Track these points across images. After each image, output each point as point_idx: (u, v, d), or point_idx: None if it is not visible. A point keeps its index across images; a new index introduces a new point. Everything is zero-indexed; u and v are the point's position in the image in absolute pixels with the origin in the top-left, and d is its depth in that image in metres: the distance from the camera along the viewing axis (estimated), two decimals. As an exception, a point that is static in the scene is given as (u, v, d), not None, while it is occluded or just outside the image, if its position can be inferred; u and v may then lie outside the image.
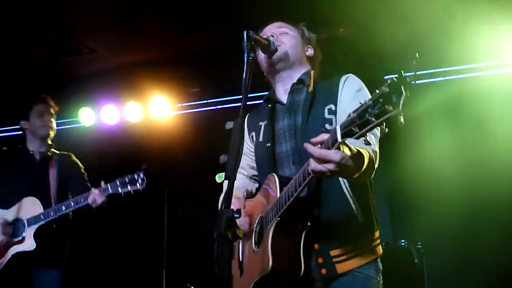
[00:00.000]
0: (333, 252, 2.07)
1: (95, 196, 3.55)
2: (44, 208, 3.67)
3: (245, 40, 2.01)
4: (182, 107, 6.22)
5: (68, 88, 6.10)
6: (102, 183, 3.57)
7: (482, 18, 4.34)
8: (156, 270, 5.89)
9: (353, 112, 1.59)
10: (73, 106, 6.26)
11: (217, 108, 6.07)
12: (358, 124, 1.56)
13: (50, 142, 4.06)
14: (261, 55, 2.33)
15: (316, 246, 2.08)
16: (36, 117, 3.97)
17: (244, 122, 2.04)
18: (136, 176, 3.50)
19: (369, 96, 2.15)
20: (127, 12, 4.76)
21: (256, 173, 2.49)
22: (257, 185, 2.53)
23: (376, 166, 1.99)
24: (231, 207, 1.71)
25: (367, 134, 1.58)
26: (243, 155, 2.46)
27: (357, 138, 1.59)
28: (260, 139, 2.37)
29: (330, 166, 1.71)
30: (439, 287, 4.71)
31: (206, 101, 6.11)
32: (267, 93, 2.44)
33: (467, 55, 4.93)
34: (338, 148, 1.69)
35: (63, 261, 3.87)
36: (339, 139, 1.63)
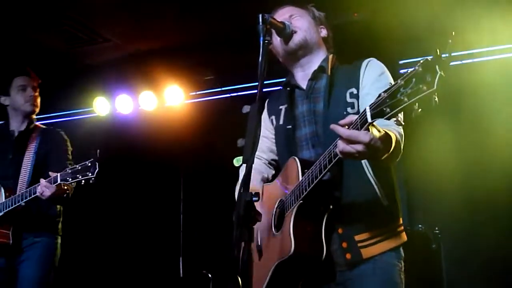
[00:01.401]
0: (358, 237, 2.05)
1: (43, 187, 3.18)
2: (7, 195, 3.39)
3: (261, 23, 1.99)
4: (197, 95, 6.22)
5: (82, 77, 6.14)
6: (51, 173, 3.20)
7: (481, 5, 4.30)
8: (172, 257, 5.94)
9: (384, 92, 1.56)
10: (87, 95, 6.29)
11: (232, 96, 6.06)
12: (389, 104, 1.53)
13: (34, 118, 3.71)
14: (277, 40, 2.30)
15: (340, 230, 2.07)
16: (18, 92, 3.61)
17: (262, 106, 2.04)
18: (87, 164, 3.11)
19: (392, 80, 2.13)
20: (139, 0, 4.76)
21: (275, 157, 2.48)
22: (273, 171, 2.52)
23: (402, 149, 1.97)
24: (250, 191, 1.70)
25: (399, 114, 1.55)
26: (263, 138, 2.45)
27: (388, 118, 1.56)
28: (281, 122, 2.37)
29: (359, 147, 1.68)
30: (457, 271, 4.68)
31: (220, 89, 6.10)
32: (283, 79, 2.43)
33: (465, 42, 4.87)
34: (367, 130, 1.66)
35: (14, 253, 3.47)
36: (369, 119, 1.61)
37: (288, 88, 2.37)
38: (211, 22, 5.12)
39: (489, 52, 5.00)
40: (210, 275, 5.35)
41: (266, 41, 1.97)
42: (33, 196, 3.26)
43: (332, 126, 1.75)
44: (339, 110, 2.12)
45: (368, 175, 2.08)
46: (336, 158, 1.81)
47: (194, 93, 6.21)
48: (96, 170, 3.08)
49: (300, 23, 2.32)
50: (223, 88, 6.10)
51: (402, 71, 5.19)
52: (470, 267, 4.76)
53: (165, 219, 6.20)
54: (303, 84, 2.33)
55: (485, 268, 4.70)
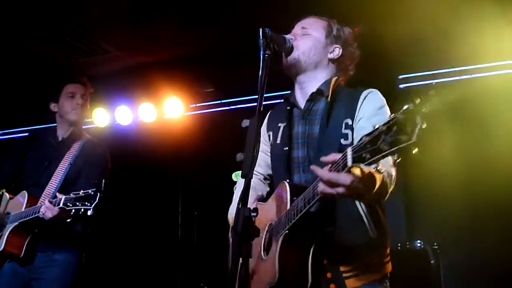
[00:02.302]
0: (342, 268, 2.04)
1: (45, 208, 3.05)
2: (28, 205, 3.26)
3: (261, 37, 1.99)
4: (196, 107, 6.22)
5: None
6: (58, 194, 3.07)
7: (486, 19, 4.30)
8: (170, 270, 5.90)
9: (366, 135, 1.53)
10: (87, 106, 6.28)
11: (232, 108, 6.06)
12: (369, 151, 1.50)
13: (80, 127, 3.63)
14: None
15: (325, 261, 2.05)
16: (66, 99, 3.54)
17: (261, 121, 2.02)
18: (89, 193, 2.93)
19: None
20: (140, 12, 4.77)
21: (270, 172, 2.46)
22: (268, 188, 2.50)
23: (390, 189, 1.94)
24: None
25: (379, 161, 1.52)
26: (260, 153, 2.43)
27: (368, 164, 1.54)
28: (278, 141, 2.35)
29: (340, 190, 1.67)
30: (456, 287, 4.66)
31: (220, 101, 6.10)
32: (284, 92, 2.42)
33: (471, 56, 4.89)
34: (349, 171, 1.64)
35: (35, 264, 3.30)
36: (349, 163, 1.58)
37: (288, 107, 2.35)
38: (211, 35, 5.13)
39: (493, 67, 5.03)
40: (207, 288, 5.31)
41: (266, 55, 1.98)
42: (35, 215, 3.12)
43: (312, 167, 1.74)
44: (333, 138, 2.10)
45: (359, 207, 2.06)
46: (318, 197, 1.79)
47: (194, 105, 6.21)
48: (95, 203, 2.89)
49: (303, 42, 2.31)
50: (223, 101, 6.10)
51: (401, 86, 5.26)
52: (470, 284, 4.72)
53: (163, 231, 6.17)
54: (302, 103, 2.32)
55: (486, 284, 4.67)
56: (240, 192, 1.71)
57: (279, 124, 2.37)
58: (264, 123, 2.46)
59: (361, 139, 1.55)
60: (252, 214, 1.63)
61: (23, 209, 3.27)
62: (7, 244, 3.22)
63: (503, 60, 4.97)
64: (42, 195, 3.29)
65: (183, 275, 5.89)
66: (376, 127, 1.50)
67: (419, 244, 4.57)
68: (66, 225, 3.24)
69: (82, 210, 2.91)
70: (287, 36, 2.27)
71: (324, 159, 1.72)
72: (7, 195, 3.51)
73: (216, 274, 5.00)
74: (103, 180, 2.97)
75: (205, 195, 5.87)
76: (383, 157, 1.48)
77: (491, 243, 4.67)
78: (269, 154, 2.43)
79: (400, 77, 5.25)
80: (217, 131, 5.89)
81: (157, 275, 6.09)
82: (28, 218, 3.18)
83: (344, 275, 2.04)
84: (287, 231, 1.99)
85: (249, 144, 1.75)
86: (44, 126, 3.90)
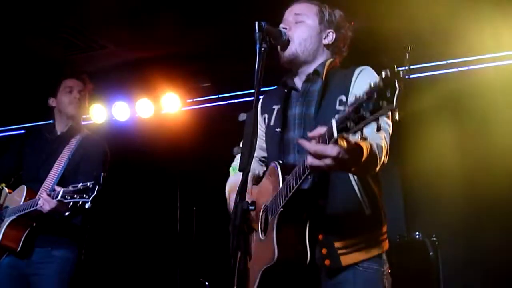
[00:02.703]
0: (337, 244, 2.04)
1: (43, 201, 3.03)
2: (27, 199, 3.25)
3: (257, 30, 1.99)
4: (194, 102, 6.22)
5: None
6: (56, 187, 3.05)
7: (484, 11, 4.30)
8: (169, 266, 5.91)
9: (349, 106, 1.55)
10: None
11: (229, 103, 6.06)
12: (353, 119, 1.52)
13: (78, 122, 3.62)
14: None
15: (320, 236, 2.05)
16: (64, 94, 3.54)
17: (257, 114, 2.02)
18: (88, 186, 2.90)
19: None
20: (137, 8, 4.76)
21: (265, 154, 2.48)
22: (264, 168, 2.51)
23: (381, 161, 1.94)
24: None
25: (364, 129, 1.53)
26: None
27: (354, 133, 1.55)
28: (272, 123, 2.36)
29: (328, 161, 1.68)
30: (455, 280, 4.67)
31: (217, 96, 6.10)
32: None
33: (468, 48, 4.88)
34: (336, 142, 1.65)
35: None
36: (335, 134, 1.60)
37: (286, 90, 2.36)
38: (208, 30, 5.12)
39: (492, 59, 5.02)
40: (207, 283, 5.33)
41: (263, 48, 1.98)
42: (33, 208, 3.11)
43: (300, 140, 1.75)
44: (328, 116, 2.10)
45: (353, 182, 2.08)
46: (308, 171, 1.80)
47: (191, 100, 6.21)
48: (93, 195, 2.86)
49: (298, 32, 2.30)
50: (220, 95, 6.10)
51: (410, 76, 5.24)
52: (468, 275, 4.74)
53: (162, 227, 6.18)
54: (299, 86, 2.33)
55: (484, 276, 4.69)
56: (235, 179, 1.70)
57: (274, 107, 2.37)
58: (258, 106, 2.46)
59: (344, 110, 1.57)
60: (250, 208, 1.63)
61: (21, 203, 3.26)
62: (4, 237, 3.21)
63: (502, 51, 4.96)
64: (41, 189, 3.28)
65: (183, 270, 5.91)
66: (358, 96, 1.51)
67: (417, 236, 4.58)
68: (64, 219, 3.23)
69: (80, 202, 2.89)
70: (282, 29, 2.27)
71: (310, 134, 1.73)
72: (6, 190, 3.52)
73: (215, 269, 5.02)
74: (102, 173, 2.94)
75: (203, 190, 5.88)
76: (366, 124, 1.50)
77: (490, 234, 4.68)
78: (263, 137, 2.44)
79: (401, 69, 5.24)
80: (214, 125, 5.89)
81: (156, 271, 6.10)
82: (26, 211, 3.17)
83: (339, 251, 2.04)
84: (282, 209, 2.00)
85: (247, 137, 1.75)
86: (41, 123, 3.88)
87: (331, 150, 1.66)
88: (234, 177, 2.51)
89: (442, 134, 4.87)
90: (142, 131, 6.23)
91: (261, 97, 2.49)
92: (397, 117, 1.45)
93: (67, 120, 3.56)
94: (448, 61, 5.15)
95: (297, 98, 2.31)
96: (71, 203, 2.94)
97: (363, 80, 2.16)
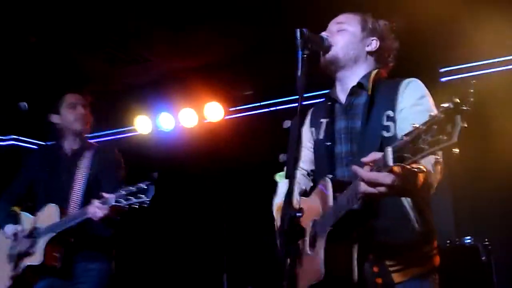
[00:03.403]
0: (389, 262, 2.02)
1: (95, 208, 3.03)
2: (62, 217, 3.26)
3: (299, 38, 1.99)
4: (236, 110, 6.26)
5: (124, 97, 6.27)
6: (104, 194, 3.04)
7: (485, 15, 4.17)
8: (217, 273, 5.94)
9: (405, 135, 1.51)
10: (129, 114, 6.41)
11: (271, 110, 6.07)
12: (410, 150, 1.49)
13: (85, 137, 3.61)
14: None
15: (371, 255, 2.03)
16: (68, 110, 3.50)
17: (302, 120, 2.02)
18: (143, 187, 2.91)
19: (432, 104, 2.08)
20: (176, 19, 4.84)
21: (314, 168, 2.45)
22: (311, 183, 2.49)
23: (433, 188, 1.91)
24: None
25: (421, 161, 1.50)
26: (304, 149, 2.44)
27: (409, 164, 1.53)
28: (321, 137, 2.34)
29: (381, 189, 1.66)
30: (509, 285, 4.52)
31: (259, 104, 6.12)
32: (323, 91, 2.42)
33: (471, 53, 4.75)
34: (390, 170, 1.62)
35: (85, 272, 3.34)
36: (390, 163, 1.56)
37: (329, 103, 2.35)
38: (247, 37, 5.16)
39: (497, 63, 4.89)
40: (254, 291, 5.32)
41: (305, 55, 1.98)
42: (85, 217, 3.11)
43: (353, 168, 1.73)
44: (375, 131, 2.08)
45: (403, 200, 2.04)
46: (359, 197, 1.77)
47: (233, 109, 6.25)
48: (152, 194, 2.88)
49: (339, 38, 2.30)
50: (262, 103, 6.12)
51: (443, 79, 5.14)
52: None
53: (209, 235, 6.22)
54: (342, 99, 2.31)
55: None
56: (283, 188, 1.71)
57: (321, 120, 2.36)
58: (307, 120, 2.47)
59: (401, 138, 1.53)
60: (298, 214, 1.63)
61: (57, 220, 3.25)
62: (46, 256, 3.19)
63: (502, 57, 4.83)
64: (70, 204, 3.30)
65: (230, 278, 5.93)
66: (416, 126, 1.48)
67: (468, 241, 4.45)
68: (113, 225, 3.28)
69: (137, 204, 2.91)
70: (324, 35, 2.27)
71: (364, 159, 1.71)
72: (27, 214, 3.49)
73: (263, 276, 5.02)
74: (156, 173, 2.95)
75: (249, 197, 5.89)
76: (423, 156, 1.46)
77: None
78: (312, 150, 2.42)
79: (441, 70, 5.15)
80: (257, 133, 5.91)
81: (203, 279, 6.14)
82: (71, 223, 3.18)
83: (391, 269, 2.02)
84: (331, 228, 1.98)
85: (292, 144, 1.75)
86: (47, 143, 3.86)
87: (385, 178, 1.64)
88: (280, 192, 2.50)
89: (485, 133, 4.73)
90: (187, 140, 6.31)
91: (311, 109, 2.49)
92: (457, 151, 1.39)
93: (75, 135, 3.53)
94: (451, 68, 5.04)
95: (341, 111, 2.29)
96: (128, 206, 2.94)
97: (411, 94, 2.12)
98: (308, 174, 2.50)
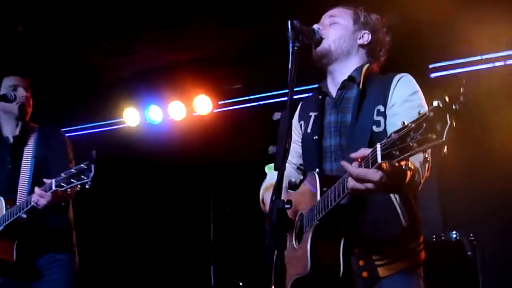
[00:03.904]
0: (375, 256, 2.04)
1: (37, 196, 2.90)
2: (8, 208, 3.09)
3: (290, 29, 1.99)
4: (225, 104, 6.25)
5: (112, 89, 6.24)
6: (45, 179, 2.89)
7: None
8: (204, 266, 5.95)
9: (395, 132, 1.52)
10: (117, 106, 6.38)
11: (260, 104, 6.07)
12: (399, 148, 1.50)
13: (27, 121, 3.39)
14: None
15: (357, 249, 2.05)
16: (8, 93, 3.27)
17: (293, 113, 2.03)
18: (83, 167, 2.75)
19: (423, 101, 2.09)
20: (168, 13, 4.81)
21: (302, 162, 2.47)
22: (301, 176, 2.50)
23: (423, 178, 1.92)
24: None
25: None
26: (292, 143, 2.41)
27: (398, 162, 1.54)
28: (309, 130, 2.35)
29: (369, 185, 1.68)
30: (494, 281, 4.56)
31: (248, 97, 6.12)
32: (313, 86, 2.42)
33: (461, 49, 4.78)
34: (379, 167, 1.64)
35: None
36: (379, 160, 1.58)
37: (320, 96, 2.35)
38: (238, 31, 5.15)
39: (487, 60, 4.91)
40: (241, 284, 5.34)
41: (296, 47, 1.97)
42: (29, 206, 2.96)
43: (343, 163, 1.75)
44: (365, 126, 2.09)
45: (391, 195, 2.05)
46: (347, 192, 1.79)
47: (222, 102, 6.24)
48: (92, 173, 2.71)
49: (331, 31, 2.30)
50: (251, 97, 6.12)
51: (432, 75, 5.17)
52: (508, 276, 4.62)
53: (196, 228, 6.22)
54: (333, 92, 2.31)
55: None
56: (271, 176, 1.71)
57: (310, 113, 2.37)
58: (296, 113, 2.47)
59: (390, 135, 1.54)
60: (286, 206, 1.64)
61: (3, 212, 3.10)
62: None
63: (499, 52, 4.84)
64: (18, 194, 3.16)
65: (217, 271, 5.94)
66: (406, 124, 1.49)
67: (454, 236, 4.49)
68: (61, 210, 3.14)
69: (79, 185, 2.78)
70: (316, 27, 2.27)
71: (353, 155, 1.72)
72: None
73: (249, 269, 5.03)
74: (94, 151, 2.77)
75: (237, 190, 5.90)
76: (412, 155, 1.48)
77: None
78: (300, 144, 2.43)
79: (430, 66, 5.17)
80: (246, 126, 5.91)
81: (190, 272, 6.14)
82: (15, 217, 3.03)
83: (376, 263, 2.04)
84: (317, 222, 1.99)
85: (281, 136, 1.76)
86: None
87: (373, 175, 1.66)
88: (269, 177, 2.51)
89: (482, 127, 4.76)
90: (175, 133, 6.29)
91: (300, 102, 2.49)
92: (445, 150, 1.40)
93: (16, 121, 3.34)
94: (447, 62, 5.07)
95: (332, 105, 2.29)
96: (69, 189, 2.82)
97: (402, 89, 2.12)
98: (298, 168, 2.51)
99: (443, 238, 4.54)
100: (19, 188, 3.18)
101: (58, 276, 3.22)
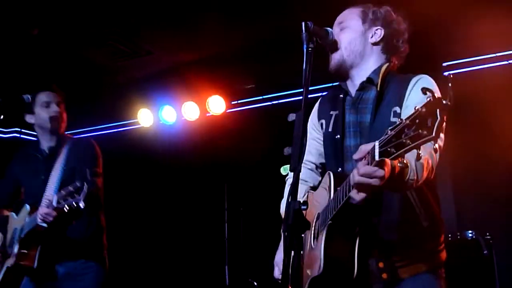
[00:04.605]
0: (395, 257, 2.03)
1: (43, 213, 2.99)
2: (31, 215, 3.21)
3: (304, 31, 1.99)
4: (238, 104, 6.26)
5: (126, 90, 6.27)
6: (51, 195, 3.00)
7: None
8: (218, 266, 5.97)
9: (391, 129, 1.53)
10: (132, 107, 6.42)
11: (273, 104, 6.07)
12: (394, 145, 1.51)
13: (62, 134, 3.53)
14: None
15: (376, 251, 2.04)
16: (41, 108, 3.43)
17: (308, 114, 2.02)
18: (77, 185, 2.83)
19: None
20: (179, 12, 4.83)
21: (323, 160, 2.45)
22: (319, 178, 2.49)
23: (422, 179, 1.90)
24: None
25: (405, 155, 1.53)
26: (312, 141, 2.44)
27: (394, 159, 1.55)
28: (330, 129, 2.33)
29: (372, 181, 1.69)
30: (510, 278, 4.53)
31: (261, 97, 6.12)
32: (328, 85, 2.42)
33: (474, 47, 4.73)
34: (378, 164, 1.65)
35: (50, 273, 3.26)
36: (377, 157, 1.59)
37: (341, 95, 2.32)
38: (250, 31, 5.14)
39: (500, 57, 4.87)
40: (256, 283, 5.35)
41: (310, 49, 1.97)
42: (35, 224, 3.08)
43: (355, 160, 1.75)
44: (382, 127, 2.06)
45: (409, 194, 2.04)
46: (353, 189, 1.79)
47: (235, 102, 6.25)
48: (84, 193, 2.77)
49: (341, 38, 2.27)
50: (264, 97, 6.12)
51: (446, 73, 5.13)
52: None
53: (210, 228, 6.24)
54: (353, 92, 2.29)
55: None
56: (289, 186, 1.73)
57: (331, 112, 2.34)
58: (314, 110, 2.46)
59: (386, 132, 1.55)
60: (302, 207, 1.64)
61: (26, 220, 3.24)
62: (17, 257, 3.17)
63: (501, 51, 4.80)
64: (41, 203, 3.21)
65: (231, 270, 5.95)
66: (400, 120, 1.50)
67: (470, 235, 4.46)
68: (75, 216, 3.18)
69: (74, 204, 2.83)
70: (329, 29, 2.26)
71: (355, 155, 1.74)
72: (14, 215, 3.47)
73: (264, 269, 5.04)
74: (87, 170, 2.90)
75: (251, 190, 5.91)
76: (407, 151, 1.49)
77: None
78: (321, 142, 2.41)
79: (444, 64, 5.13)
80: (260, 126, 5.91)
81: (205, 271, 6.17)
82: (31, 227, 3.13)
83: (396, 264, 2.02)
84: (330, 221, 1.99)
85: (297, 137, 1.76)
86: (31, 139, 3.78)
87: (376, 172, 1.67)
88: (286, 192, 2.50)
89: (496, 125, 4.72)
90: (189, 133, 6.32)
91: (314, 102, 2.48)
92: (436, 146, 1.44)
93: (51, 135, 3.48)
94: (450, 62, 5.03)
95: (350, 105, 2.28)
96: (67, 208, 2.87)
97: (418, 91, 2.04)
98: (317, 167, 2.50)
99: (459, 237, 4.51)
100: (43, 197, 3.24)
101: (83, 285, 3.29)
